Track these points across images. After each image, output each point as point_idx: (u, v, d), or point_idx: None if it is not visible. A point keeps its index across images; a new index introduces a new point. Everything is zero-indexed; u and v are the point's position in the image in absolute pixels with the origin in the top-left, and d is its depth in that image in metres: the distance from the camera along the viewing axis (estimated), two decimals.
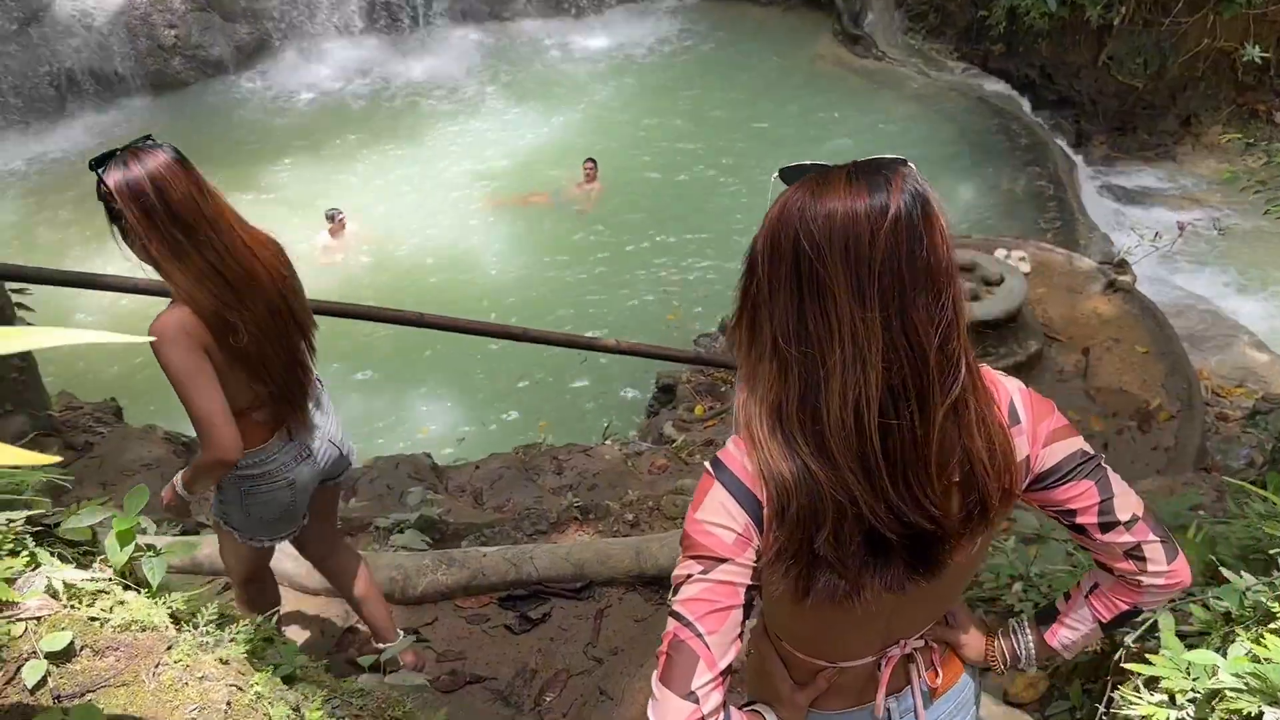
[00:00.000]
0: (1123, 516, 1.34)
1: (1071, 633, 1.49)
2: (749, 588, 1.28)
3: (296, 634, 3.36)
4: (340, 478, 3.00)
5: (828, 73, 14.74)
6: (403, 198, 11.74)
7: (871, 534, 1.23)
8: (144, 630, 1.37)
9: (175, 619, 1.60)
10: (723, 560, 1.26)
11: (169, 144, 2.45)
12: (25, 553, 1.38)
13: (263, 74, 15.40)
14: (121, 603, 1.41)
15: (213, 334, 2.40)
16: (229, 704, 1.33)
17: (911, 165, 1.22)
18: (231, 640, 1.51)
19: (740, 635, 1.28)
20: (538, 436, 7.72)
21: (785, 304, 1.21)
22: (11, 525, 1.38)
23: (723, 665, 1.25)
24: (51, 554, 1.45)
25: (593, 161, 11.32)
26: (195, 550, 1.76)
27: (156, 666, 1.31)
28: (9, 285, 4.99)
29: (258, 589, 3.05)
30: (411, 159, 12.78)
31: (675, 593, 1.29)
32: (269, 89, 15.12)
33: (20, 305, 5.11)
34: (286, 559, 3.58)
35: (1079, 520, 1.36)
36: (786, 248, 1.20)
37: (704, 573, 1.26)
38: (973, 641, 1.55)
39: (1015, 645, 1.54)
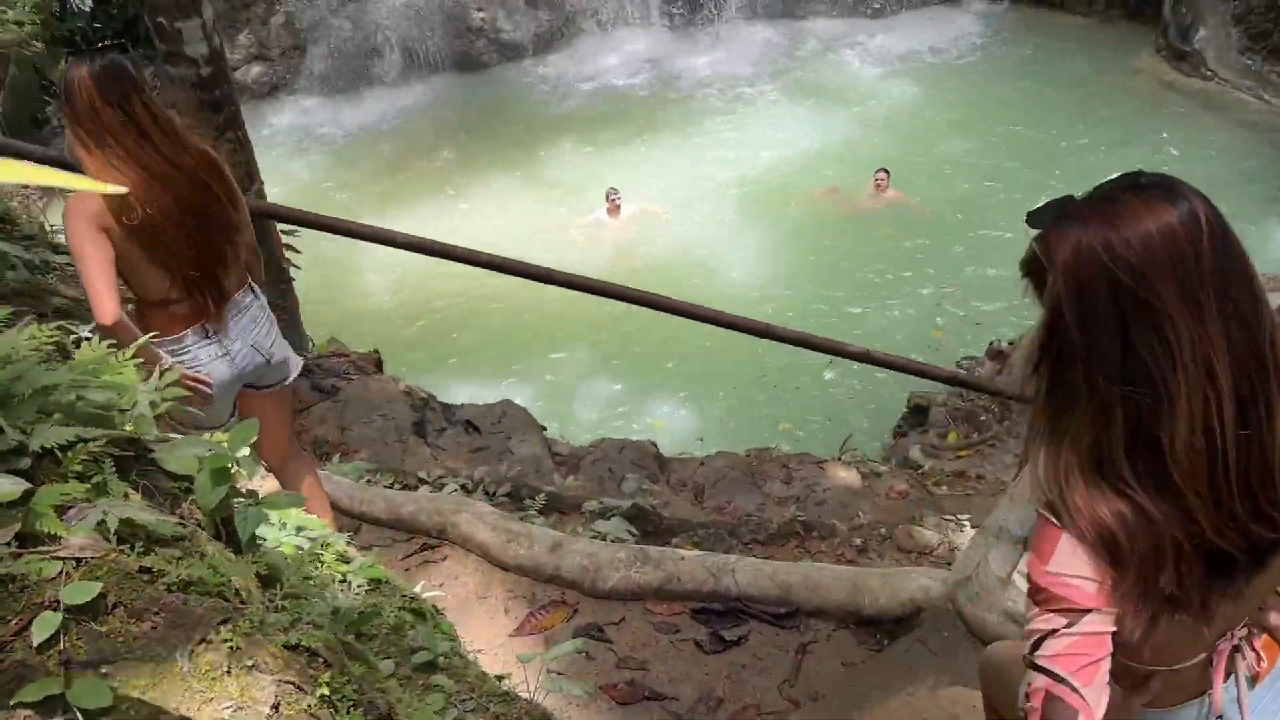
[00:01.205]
0: None
1: None
2: (1111, 630, 1.24)
3: (475, 611, 3.17)
4: (276, 386, 3.15)
5: (1147, 91, 13.28)
6: (675, 188, 11.66)
7: (1212, 557, 1.21)
8: (204, 594, 1.12)
9: (268, 582, 1.37)
10: (1087, 611, 1.23)
11: (116, 55, 2.76)
12: (97, 478, 1.18)
13: (557, 60, 15.92)
14: (189, 555, 1.17)
15: (112, 215, 2.68)
16: (276, 707, 1.05)
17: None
18: (311, 623, 1.24)
19: (1108, 684, 1.25)
20: (774, 440, 7.37)
21: (1106, 344, 1.18)
22: (85, 444, 1.17)
23: (1099, 715, 1.23)
24: (135, 486, 1.24)
25: (885, 172, 10.68)
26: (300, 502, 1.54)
27: (200, 643, 1.06)
28: (280, 226, 5.21)
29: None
30: (687, 151, 12.70)
31: (1037, 648, 1.25)
32: (560, 75, 15.59)
33: (289, 247, 5.32)
34: (483, 528, 3.42)
35: None
36: (1099, 286, 1.18)
37: (1070, 626, 1.23)
38: None
39: None
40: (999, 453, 7.42)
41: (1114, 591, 1.23)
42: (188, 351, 2.89)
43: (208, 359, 2.91)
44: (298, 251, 5.36)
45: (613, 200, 10.56)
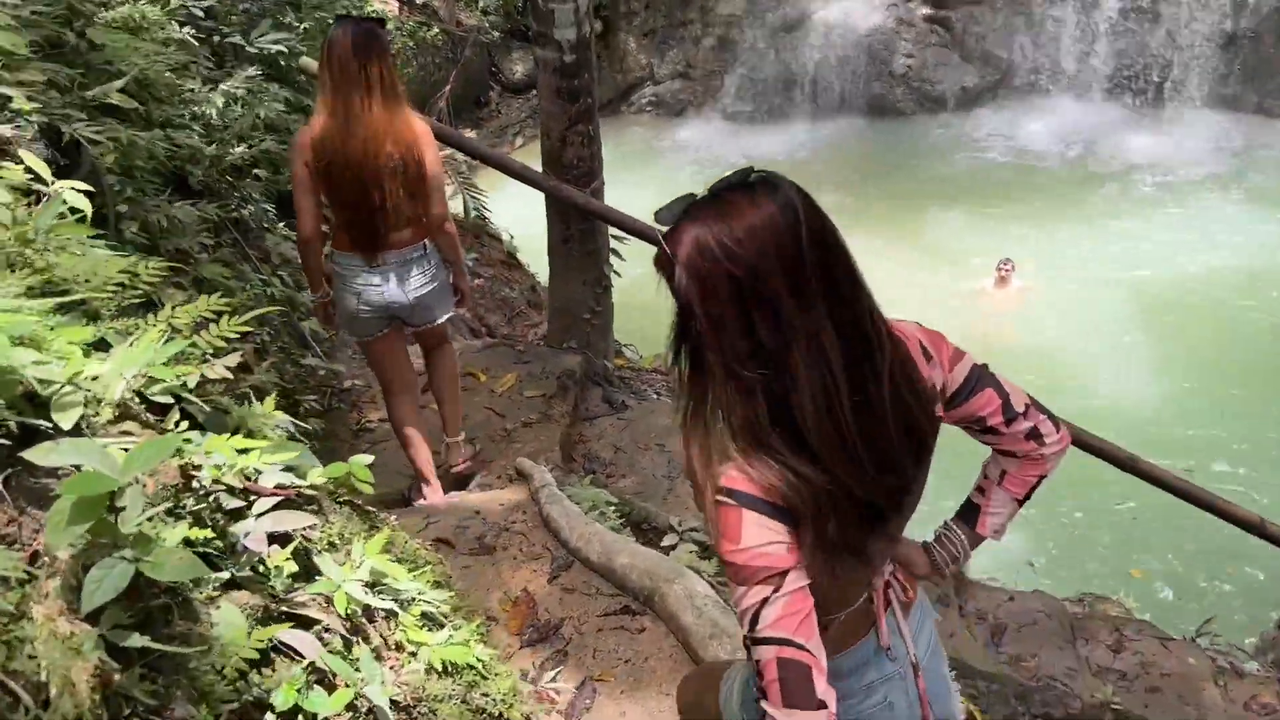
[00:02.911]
0: (1019, 409, 1.57)
1: (997, 518, 1.68)
2: (808, 582, 1.33)
3: (652, 707, 2.67)
4: (425, 325, 3.77)
5: None
6: (1076, 276, 10.38)
7: (863, 507, 1.36)
8: None
9: (154, 667, 0.96)
10: (787, 571, 1.31)
11: (372, 23, 3.32)
12: None
13: (978, 119, 14.92)
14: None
15: (312, 153, 3.32)
16: None
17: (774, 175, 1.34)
18: None
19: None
20: (1117, 586, 6.17)
21: (732, 332, 1.29)
22: None
23: (826, 665, 1.31)
24: None
25: None
26: (200, 572, 1.09)
27: None
28: (611, 231, 5.02)
29: (392, 406, 3.90)
30: (1100, 240, 11.29)
31: (755, 623, 1.31)
32: (977, 135, 14.60)
33: (615, 253, 5.13)
34: (690, 610, 2.91)
35: (989, 423, 1.56)
36: (718, 279, 1.28)
37: (777, 590, 1.30)
38: (918, 557, 1.72)
39: (953, 547, 1.72)
40: None
41: (798, 547, 1.32)
42: (355, 274, 3.54)
43: (363, 285, 3.54)
44: (621, 259, 5.14)
45: (1003, 270, 9.67)
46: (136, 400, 1.26)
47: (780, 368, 1.27)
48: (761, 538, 1.29)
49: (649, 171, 13.28)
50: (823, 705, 1.27)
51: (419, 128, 3.40)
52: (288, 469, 1.52)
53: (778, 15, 15.50)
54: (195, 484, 1.25)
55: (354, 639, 1.43)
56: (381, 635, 1.52)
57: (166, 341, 1.27)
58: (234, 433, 1.52)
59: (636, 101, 16.04)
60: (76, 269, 1.42)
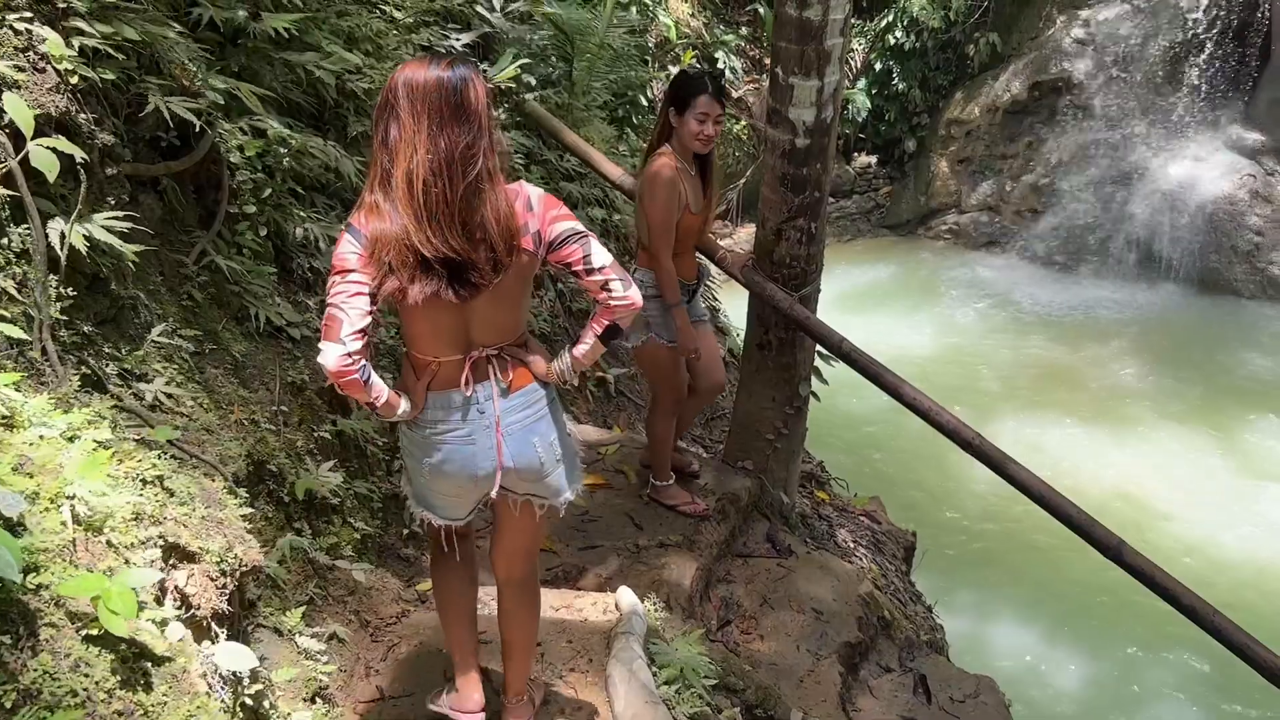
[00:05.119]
0: (596, 265, 2.28)
1: (584, 347, 2.41)
2: (368, 285, 2.17)
3: None
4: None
5: None
6: None
7: (421, 258, 2.15)
8: None
9: None
10: (351, 271, 2.17)
11: None
12: None
13: None
14: None
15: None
16: None
17: (474, 63, 2.24)
18: None
19: (369, 313, 2.17)
20: None
21: (382, 127, 2.16)
22: None
23: (360, 325, 2.15)
24: None
25: None
26: None
27: None
28: (819, 349, 4.30)
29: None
30: None
31: (328, 294, 2.18)
32: None
33: (816, 371, 4.39)
34: None
35: (574, 269, 2.30)
36: (386, 95, 2.16)
37: (342, 279, 2.17)
38: (537, 362, 2.42)
39: (561, 364, 2.43)
40: None
41: (369, 265, 2.16)
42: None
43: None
44: (824, 382, 4.39)
45: None
46: None
47: (393, 155, 2.14)
48: (346, 249, 2.18)
49: (934, 302, 12.34)
50: (341, 344, 2.14)
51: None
52: None
53: (1111, 164, 14.11)
54: None
55: None
56: None
57: None
58: None
59: (935, 227, 15.07)
60: None
